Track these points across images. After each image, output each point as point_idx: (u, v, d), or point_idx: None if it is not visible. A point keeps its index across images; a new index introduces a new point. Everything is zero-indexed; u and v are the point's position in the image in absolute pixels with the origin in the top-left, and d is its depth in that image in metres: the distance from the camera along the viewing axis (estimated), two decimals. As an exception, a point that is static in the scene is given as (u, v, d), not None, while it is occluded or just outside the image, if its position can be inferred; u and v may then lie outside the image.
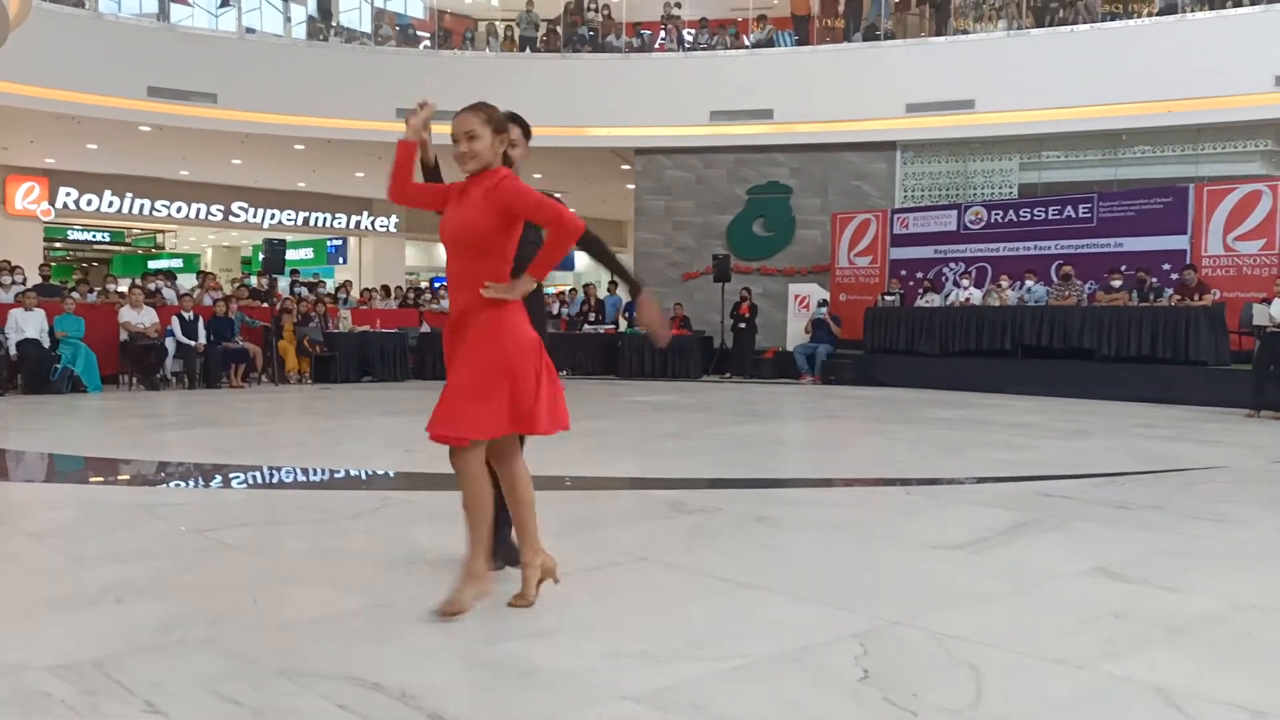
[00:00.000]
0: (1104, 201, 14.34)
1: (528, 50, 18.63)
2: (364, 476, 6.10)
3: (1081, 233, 14.33)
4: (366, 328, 15.08)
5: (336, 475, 5.91)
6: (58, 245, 24.07)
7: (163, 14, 16.83)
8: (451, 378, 3.03)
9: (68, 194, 20.67)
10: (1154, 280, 12.94)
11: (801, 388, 14.39)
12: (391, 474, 6.31)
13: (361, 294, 17.33)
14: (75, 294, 13.23)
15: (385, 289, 18.12)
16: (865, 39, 17.51)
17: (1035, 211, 14.88)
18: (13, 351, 11.61)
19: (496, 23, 19.08)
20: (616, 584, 3.53)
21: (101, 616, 3.09)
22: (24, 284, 13.31)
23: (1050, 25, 16.23)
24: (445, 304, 17.46)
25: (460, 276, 2.99)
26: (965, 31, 17.06)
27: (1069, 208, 14.56)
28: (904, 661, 2.76)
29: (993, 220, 15.21)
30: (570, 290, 18.40)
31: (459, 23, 19.53)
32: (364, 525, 4.59)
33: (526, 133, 3.24)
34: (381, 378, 14.42)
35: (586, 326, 17.37)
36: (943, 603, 3.34)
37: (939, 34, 17.15)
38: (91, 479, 6.31)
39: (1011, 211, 15.15)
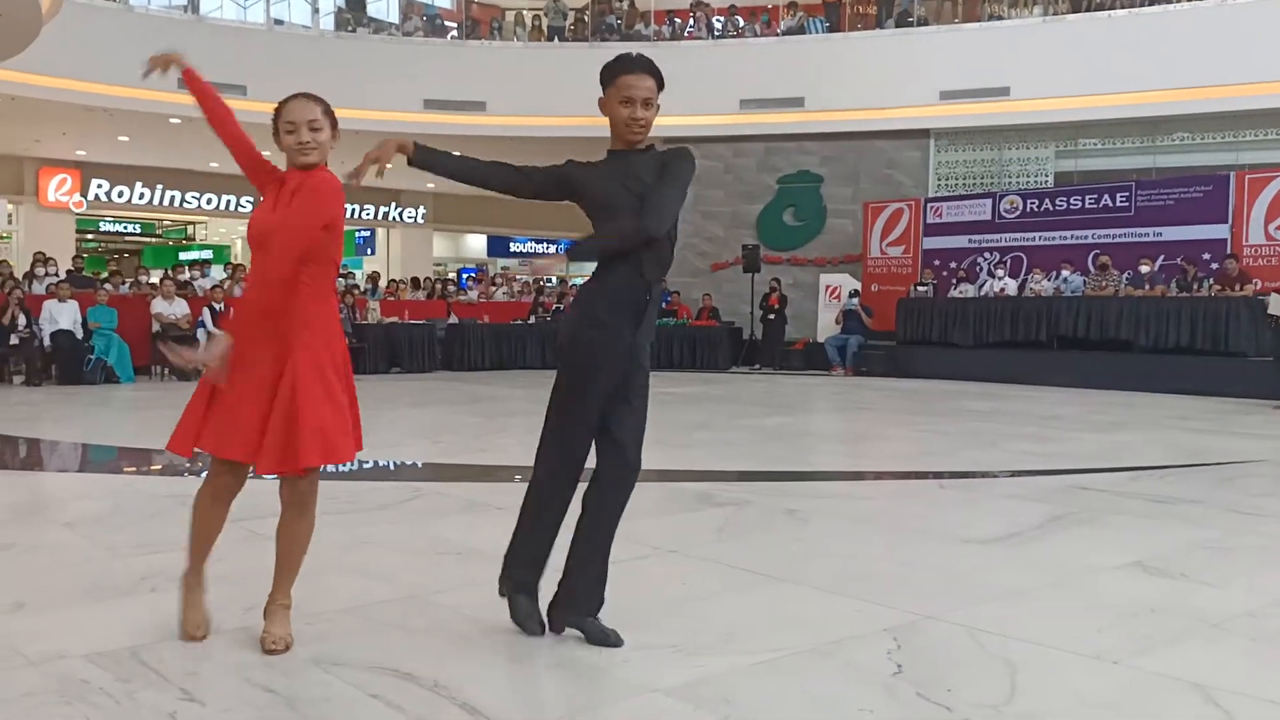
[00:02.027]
0: (1142, 190, 14.12)
1: (555, 39, 18.60)
2: (393, 467, 6.13)
3: (1119, 222, 14.12)
4: (395, 319, 15.15)
5: (366, 466, 5.94)
6: (90, 237, 24.33)
7: (192, 6, 16.95)
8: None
9: (99, 186, 20.90)
10: (1197, 270, 12.73)
11: (832, 379, 14.31)
12: (420, 465, 6.33)
13: (389, 285, 17.41)
14: (108, 285, 13.38)
15: (414, 280, 18.19)
16: (898, 25, 17.33)
17: (1072, 200, 14.68)
18: (47, 343, 11.76)
19: (524, 11, 19.06)
20: (646, 577, 3.52)
21: (137, 605, 3.13)
22: (57, 275, 13.50)
23: (1087, 10, 15.98)
24: (474, 295, 17.52)
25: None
26: (1000, 17, 16.82)
27: (1106, 196, 14.35)
28: (937, 656, 2.73)
29: (1028, 209, 15.03)
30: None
31: (486, 12, 19.52)
32: (394, 516, 4.61)
33: (661, 86, 2.82)
34: (409, 369, 14.49)
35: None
36: (976, 597, 3.30)
37: (973, 20, 16.93)
38: (125, 469, 6.38)
39: (1047, 200, 14.96)
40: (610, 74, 2.79)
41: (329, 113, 2.83)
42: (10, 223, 20.70)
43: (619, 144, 2.84)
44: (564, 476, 2.86)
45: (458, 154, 2.86)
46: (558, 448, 2.84)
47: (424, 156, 2.79)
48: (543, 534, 2.87)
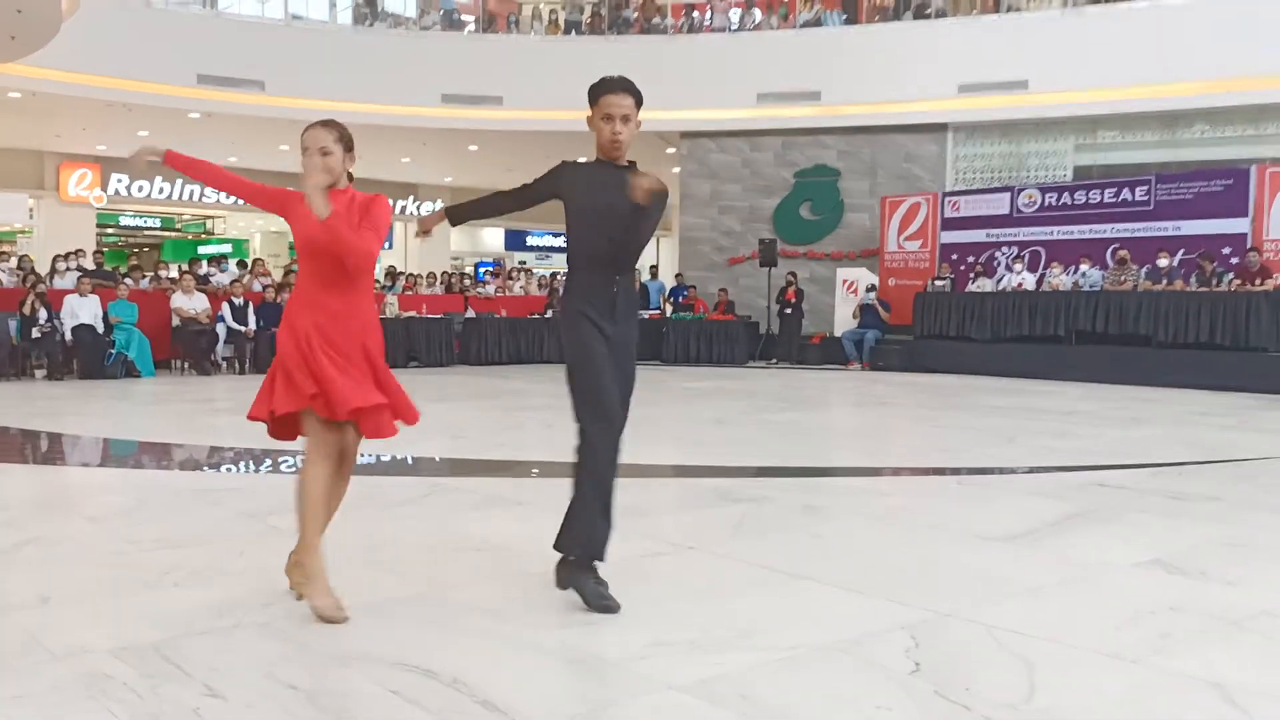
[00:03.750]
0: (1162, 184, 14.01)
1: (572, 33, 18.59)
2: (411, 462, 6.16)
3: (1138, 216, 14.02)
4: (412, 313, 15.20)
5: (385, 460, 5.97)
6: (110, 231, 24.50)
7: (210, 1, 17.02)
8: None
9: (119, 180, 21.03)
10: (1215, 265, 12.63)
11: (849, 374, 14.28)
12: (438, 459, 6.36)
13: (407, 279, 17.46)
14: (128, 280, 13.48)
15: (431, 275, 18.24)
16: (916, 18, 17.22)
17: (1090, 194, 14.58)
18: (68, 337, 11.86)
19: (541, 5, 19.06)
20: (664, 573, 3.53)
21: (159, 600, 3.16)
22: (79, 268, 13.61)
23: (1107, 2, 15.85)
24: (490, 289, 17.54)
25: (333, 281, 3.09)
26: (1018, 9, 16.70)
27: (1125, 190, 14.24)
28: (955, 654, 2.73)
29: (1046, 203, 14.94)
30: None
31: (503, 6, 19.51)
32: (413, 511, 4.63)
33: (639, 103, 3.21)
34: (427, 363, 14.54)
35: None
36: (995, 595, 3.30)
37: (991, 12, 16.82)
38: (147, 463, 6.43)
39: (1066, 194, 14.87)
40: (594, 94, 3.17)
41: (343, 139, 3.13)
42: (31, 217, 20.87)
43: (604, 157, 3.21)
44: (610, 436, 3.11)
45: (470, 200, 3.41)
46: (591, 411, 3.12)
47: (456, 215, 3.39)
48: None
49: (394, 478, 5.65)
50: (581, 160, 3.27)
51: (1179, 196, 13.74)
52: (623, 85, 3.15)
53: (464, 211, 3.39)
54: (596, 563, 3.11)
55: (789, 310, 16.12)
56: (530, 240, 27.92)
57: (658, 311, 17.40)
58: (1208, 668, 2.63)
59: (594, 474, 3.05)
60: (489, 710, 2.31)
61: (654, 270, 19.32)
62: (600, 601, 3.03)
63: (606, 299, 3.15)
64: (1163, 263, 12.99)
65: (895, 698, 2.42)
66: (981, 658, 2.71)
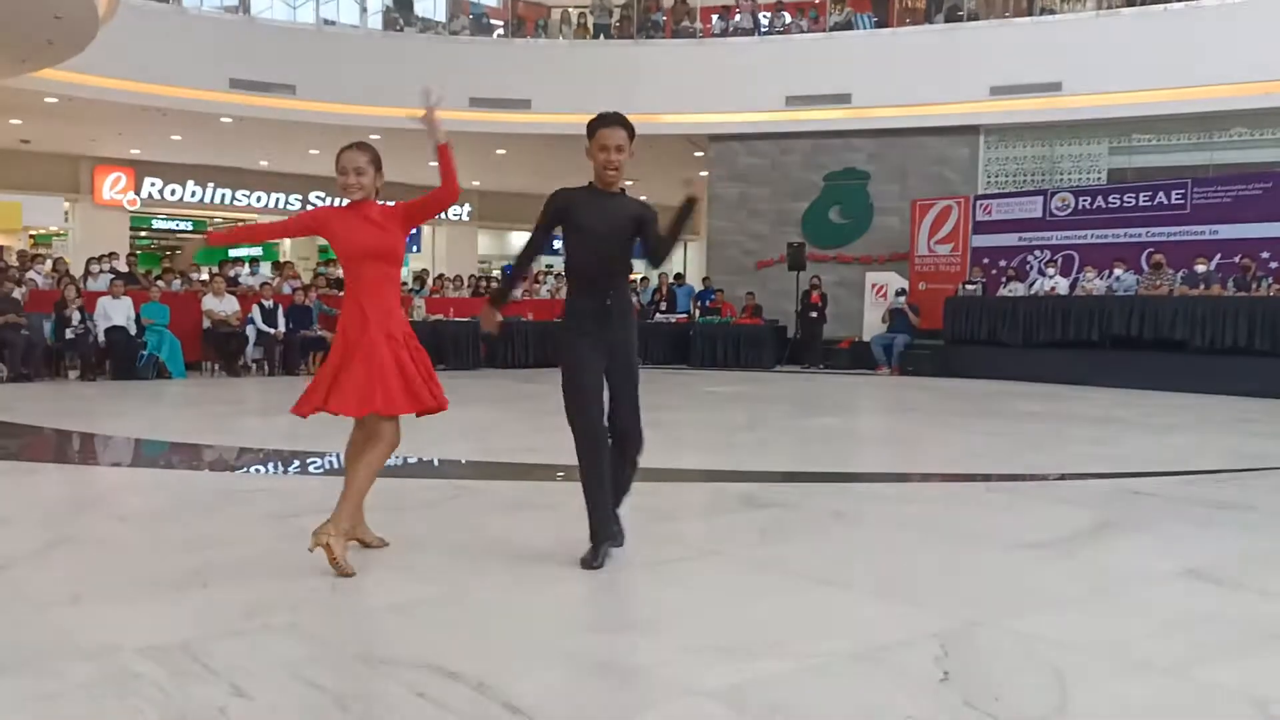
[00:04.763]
0: (1198, 187, 13.82)
1: (601, 37, 18.61)
2: (437, 465, 6.17)
3: (1174, 220, 13.83)
4: (440, 316, 15.25)
5: (411, 463, 5.98)
6: (143, 234, 24.79)
7: (243, 7, 17.20)
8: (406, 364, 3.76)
9: (153, 184, 21.31)
10: (1256, 268, 12.42)
11: (878, 379, 14.19)
12: (464, 462, 6.37)
13: (434, 282, 17.53)
14: (160, 282, 13.63)
15: (458, 278, 18.31)
16: (947, 20, 17.09)
17: (1125, 198, 14.41)
18: (101, 339, 12.00)
19: (570, 10, 19.10)
20: (690, 578, 3.51)
21: (188, 600, 3.18)
22: (112, 271, 13.77)
23: (1142, 4, 15.66)
24: (518, 293, 17.56)
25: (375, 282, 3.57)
26: (1052, 11, 16.53)
27: (1161, 194, 14.06)
28: (985, 664, 2.70)
29: (1080, 206, 14.78)
30: (641, 279, 18.35)
31: (532, 10, 19.58)
32: (439, 514, 4.64)
33: (631, 135, 3.58)
34: (454, 366, 14.58)
35: (658, 316, 17.34)
36: (1026, 603, 3.25)
37: (1024, 14, 16.67)
38: (177, 464, 6.49)
39: (1100, 198, 14.70)
40: (591, 128, 3.57)
41: (374, 160, 3.58)
42: (66, 220, 21.16)
43: (599, 184, 3.61)
44: (591, 437, 3.58)
45: (507, 275, 4.15)
46: (577, 416, 3.59)
47: (499, 297, 4.05)
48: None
49: (420, 480, 5.66)
50: (572, 187, 3.66)
51: (1216, 200, 13.54)
52: (616, 120, 3.55)
53: (505, 290, 4.14)
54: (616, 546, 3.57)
55: (813, 314, 16.04)
56: (558, 244, 27.95)
57: (685, 316, 17.36)
58: (1243, 679, 2.58)
59: (589, 461, 3.55)
60: (514, 714, 2.31)
61: (679, 276, 19.27)
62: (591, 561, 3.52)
63: (602, 312, 3.58)
64: (1200, 268, 12.79)
65: (924, 707, 2.39)
66: (1012, 667, 2.67)
